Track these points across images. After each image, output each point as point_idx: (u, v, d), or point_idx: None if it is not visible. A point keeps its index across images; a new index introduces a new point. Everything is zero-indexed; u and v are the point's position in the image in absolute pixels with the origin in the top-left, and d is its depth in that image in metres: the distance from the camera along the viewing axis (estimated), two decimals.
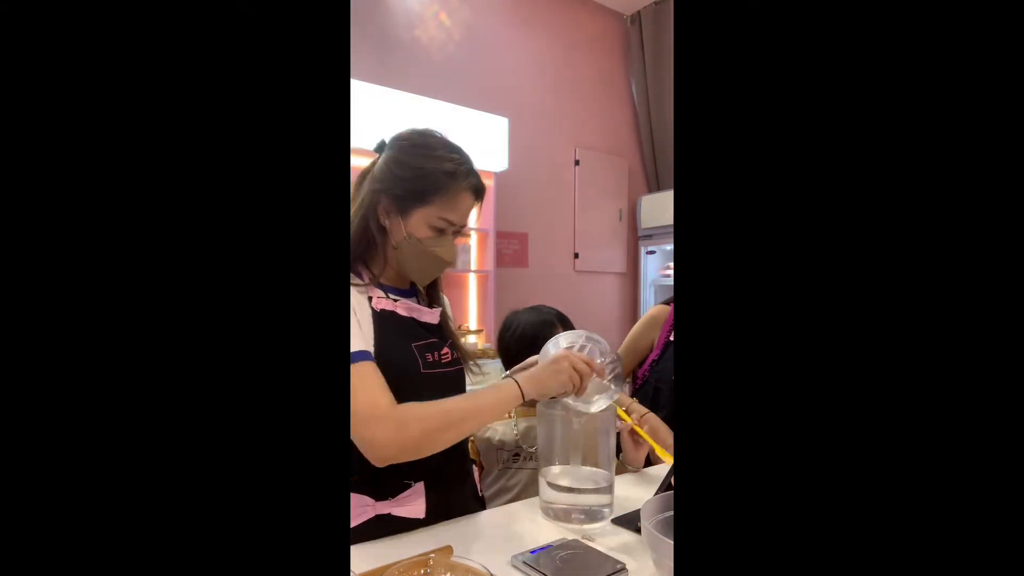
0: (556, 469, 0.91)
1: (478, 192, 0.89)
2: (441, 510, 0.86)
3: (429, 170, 0.84)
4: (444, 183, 0.84)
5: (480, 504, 1.02)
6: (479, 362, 1.02)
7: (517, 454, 1.15)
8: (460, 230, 0.90)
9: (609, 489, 0.88)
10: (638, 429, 1.06)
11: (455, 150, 0.88)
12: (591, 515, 0.85)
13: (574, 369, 0.85)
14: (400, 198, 0.85)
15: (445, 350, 0.93)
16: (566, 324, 1.24)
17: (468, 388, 0.97)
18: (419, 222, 0.86)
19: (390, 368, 0.81)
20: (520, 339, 1.22)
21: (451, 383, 0.93)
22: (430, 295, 0.98)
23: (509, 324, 1.28)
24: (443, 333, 0.96)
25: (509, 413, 1.19)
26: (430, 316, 0.93)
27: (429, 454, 0.77)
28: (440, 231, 0.87)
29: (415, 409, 0.76)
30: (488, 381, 1.00)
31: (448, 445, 0.78)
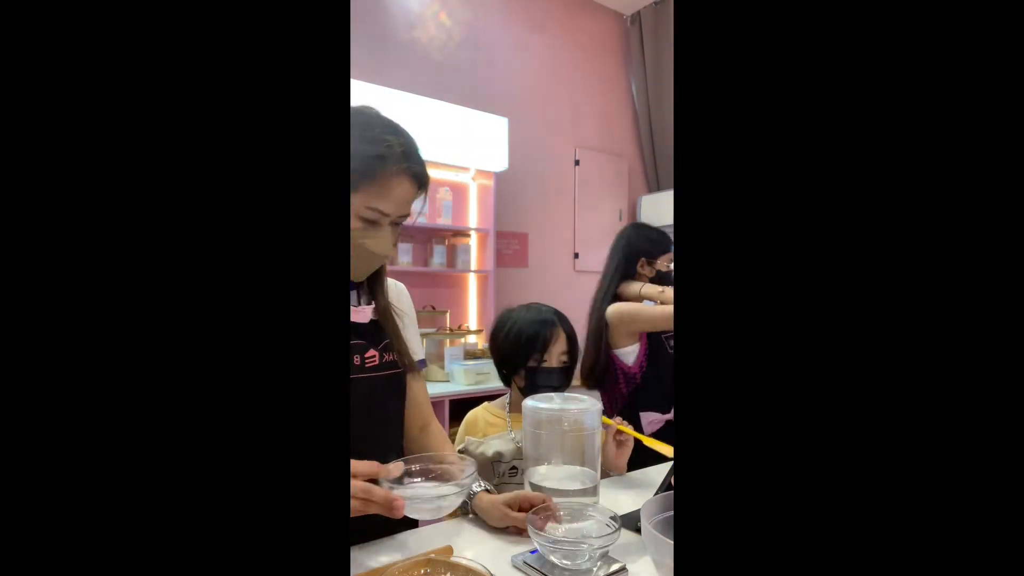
0: (542, 469, 0.89)
1: (419, 179, 0.79)
2: None
3: (355, 153, 0.74)
4: (372, 167, 0.75)
5: None
6: (477, 360, 0.98)
7: (515, 467, 1.10)
8: (399, 221, 0.81)
9: (595, 491, 0.87)
10: (624, 428, 1.04)
11: (391, 130, 0.78)
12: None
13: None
14: None
15: (371, 353, 0.84)
16: (564, 322, 1.17)
17: (408, 390, 0.91)
18: None
19: None
20: (515, 339, 1.14)
21: (378, 391, 0.85)
22: (371, 289, 0.89)
23: (503, 323, 1.18)
24: (377, 334, 0.87)
25: (508, 425, 1.16)
26: (357, 315, 0.85)
27: None
28: (371, 222, 0.77)
29: None
30: (430, 380, 0.95)
31: None
